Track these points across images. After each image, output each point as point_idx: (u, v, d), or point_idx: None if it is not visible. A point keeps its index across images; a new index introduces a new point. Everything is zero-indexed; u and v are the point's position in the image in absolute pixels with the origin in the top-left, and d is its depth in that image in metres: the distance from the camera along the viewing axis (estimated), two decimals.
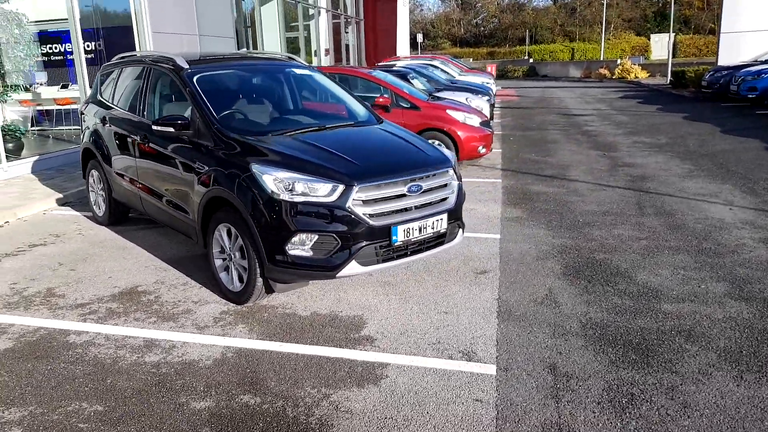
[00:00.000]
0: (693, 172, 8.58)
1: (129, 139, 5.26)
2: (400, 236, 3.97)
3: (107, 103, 5.86)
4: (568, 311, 4.13)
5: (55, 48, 13.14)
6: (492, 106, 15.42)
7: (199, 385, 3.23)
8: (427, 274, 4.85)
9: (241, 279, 4.17)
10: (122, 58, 5.95)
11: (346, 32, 30.60)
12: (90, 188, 6.29)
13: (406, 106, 8.85)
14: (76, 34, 9.52)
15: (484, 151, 8.96)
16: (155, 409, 3.01)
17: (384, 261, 4.00)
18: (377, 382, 3.24)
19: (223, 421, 2.90)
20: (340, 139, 4.54)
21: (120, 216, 6.04)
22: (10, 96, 9.44)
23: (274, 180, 3.83)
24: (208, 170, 4.23)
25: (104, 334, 3.83)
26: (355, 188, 3.83)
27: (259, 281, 4.01)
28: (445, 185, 4.36)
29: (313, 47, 24.58)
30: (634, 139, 11.96)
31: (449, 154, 4.69)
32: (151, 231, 5.94)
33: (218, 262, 4.33)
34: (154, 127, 4.47)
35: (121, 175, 5.54)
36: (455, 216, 4.40)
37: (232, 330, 3.87)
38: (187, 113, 4.58)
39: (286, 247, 3.80)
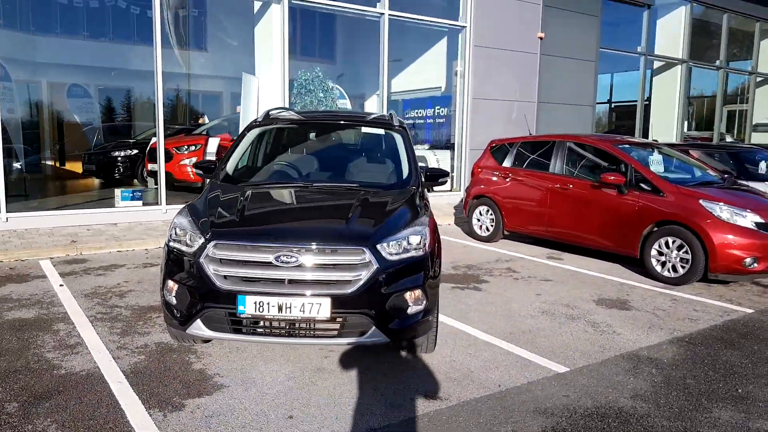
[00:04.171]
0: None
1: None
2: (248, 308, 3.47)
3: None
4: None
5: (418, 113, 15.46)
6: None
7: (24, 381, 3.68)
8: (372, 375, 3.91)
9: None
10: None
11: None
12: None
13: (647, 188, 6.87)
14: (383, 104, 11.08)
15: (756, 266, 6.13)
16: None
17: (237, 332, 3.58)
18: None
19: None
20: (286, 196, 4.36)
21: None
22: None
23: (172, 225, 3.94)
24: None
25: (77, 327, 4.65)
26: (211, 244, 3.58)
27: None
28: (349, 266, 3.53)
29: (749, 120, 20.63)
30: None
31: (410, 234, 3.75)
32: None
33: None
34: (195, 170, 5.13)
35: None
36: (360, 307, 3.50)
37: (128, 357, 4.09)
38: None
39: (164, 292, 3.84)
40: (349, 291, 3.49)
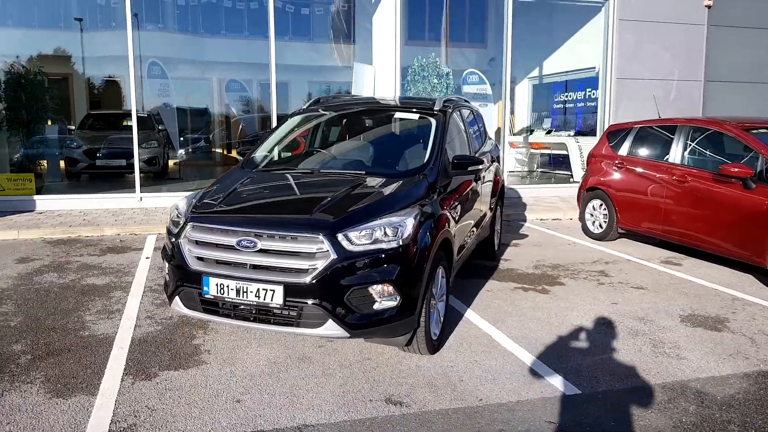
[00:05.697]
0: None
1: None
2: (211, 289, 3.51)
3: None
4: None
5: (568, 97, 14.29)
6: None
7: (50, 338, 4.15)
8: (351, 371, 3.73)
9: None
10: None
11: None
12: None
13: None
14: (504, 88, 10.41)
15: None
16: None
17: (207, 312, 3.64)
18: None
19: None
20: (279, 183, 4.38)
21: None
22: None
23: (172, 207, 4.12)
24: None
25: (129, 295, 5.12)
26: (189, 225, 3.69)
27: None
28: (305, 254, 3.39)
29: None
30: None
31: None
32: None
33: None
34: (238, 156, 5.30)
35: None
36: (315, 297, 3.35)
37: (148, 326, 4.42)
38: None
39: (165, 270, 4.05)
40: (304, 280, 3.35)
